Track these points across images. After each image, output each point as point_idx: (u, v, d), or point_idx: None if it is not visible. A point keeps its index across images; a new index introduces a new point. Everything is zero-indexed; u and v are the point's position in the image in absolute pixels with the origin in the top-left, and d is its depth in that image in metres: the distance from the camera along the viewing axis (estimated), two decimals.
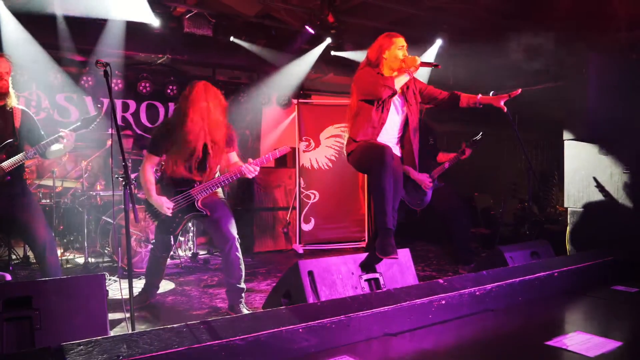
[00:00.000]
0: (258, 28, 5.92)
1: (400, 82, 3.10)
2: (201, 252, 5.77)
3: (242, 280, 3.47)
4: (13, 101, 3.38)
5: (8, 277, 4.52)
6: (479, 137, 4.75)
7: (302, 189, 6.36)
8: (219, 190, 3.61)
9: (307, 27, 5.65)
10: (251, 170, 3.39)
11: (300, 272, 2.71)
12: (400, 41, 3.21)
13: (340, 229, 6.45)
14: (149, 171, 3.42)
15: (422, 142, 3.92)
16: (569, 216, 4.91)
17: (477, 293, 3.03)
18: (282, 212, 6.42)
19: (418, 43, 6.20)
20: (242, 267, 3.48)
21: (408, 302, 2.69)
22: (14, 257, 4.99)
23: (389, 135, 3.25)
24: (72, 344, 1.82)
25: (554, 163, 7.48)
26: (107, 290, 2.37)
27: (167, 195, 3.41)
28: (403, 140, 3.32)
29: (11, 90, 3.35)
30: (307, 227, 6.36)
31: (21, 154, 3.28)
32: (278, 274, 4.92)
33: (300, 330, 2.29)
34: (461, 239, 4.73)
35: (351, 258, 2.95)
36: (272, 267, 5.34)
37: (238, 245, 3.46)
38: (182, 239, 5.54)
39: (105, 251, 5.04)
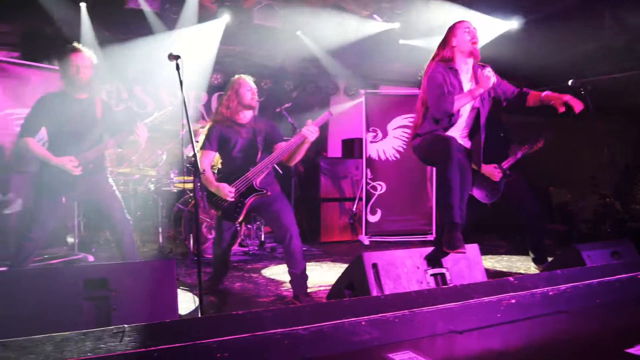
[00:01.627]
0: (324, 19, 5.89)
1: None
2: (268, 241, 5.88)
3: (305, 269, 3.51)
4: (95, 93, 3.59)
5: (91, 258, 4.85)
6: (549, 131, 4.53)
7: (368, 180, 6.32)
8: (277, 182, 3.69)
9: (375, 16, 5.57)
10: (311, 131, 3.40)
11: (365, 264, 2.69)
12: (466, 24, 3.10)
13: (406, 221, 6.35)
14: (206, 165, 3.54)
15: (492, 134, 3.82)
16: None
17: (550, 293, 2.88)
18: (349, 202, 6.42)
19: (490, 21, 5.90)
20: (304, 256, 3.52)
21: (476, 300, 2.60)
22: (97, 240, 5.34)
23: (459, 129, 3.17)
24: (145, 325, 1.91)
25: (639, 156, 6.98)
26: (178, 275, 2.46)
27: (226, 182, 3.51)
28: (472, 133, 3.23)
29: (93, 83, 3.55)
30: (373, 219, 6.32)
31: (102, 144, 3.47)
32: (344, 265, 4.93)
33: (363, 323, 2.27)
34: (534, 234, 4.49)
35: (417, 251, 2.89)
36: (338, 257, 5.36)
37: (298, 235, 3.51)
38: (250, 227, 5.68)
39: (179, 237, 5.26)
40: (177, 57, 2.83)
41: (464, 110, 3.11)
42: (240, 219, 3.58)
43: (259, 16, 5.78)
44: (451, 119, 3.05)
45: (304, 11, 5.74)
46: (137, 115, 6.29)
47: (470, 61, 3.12)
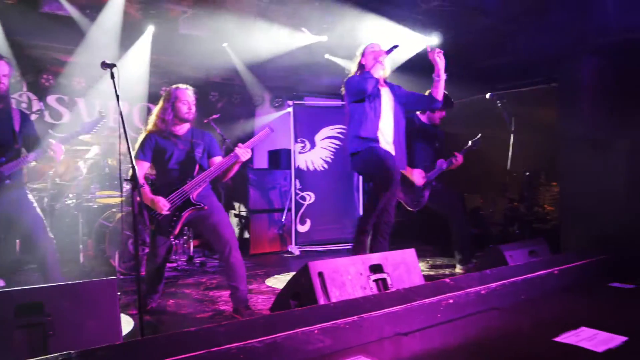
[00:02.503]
0: (252, 29, 5.89)
1: (376, 69, 3.72)
2: (196, 255, 5.73)
3: (245, 282, 3.47)
4: (10, 102, 3.35)
5: (2, 282, 4.46)
6: (471, 143, 4.88)
7: (297, 191, 6.36)
8: (214, 194, 3.64)
9: (303, 29, 5.65)
10: (243, 152, 3.40)
11: (311, 273, 2.71)
12: (373, 46, 3.86)
13: (335, 229, 6.46)
14: (140, 177, 3.40)
15: (429, 146, 4.33)
16: (563, 215, 4.99)
17: (483, 292, 3.06)
18: (277, 213, 6.41)
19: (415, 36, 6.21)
20: (244, 269, 3.48)
21: (418, 302, 2.71)
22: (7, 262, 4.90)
23: (386, 135, 3.83)
24: (93, 349, 1.80)
25: (541, 163, 7.59)
26: (119, 295, 2.34)
27: (162, 196, 3.40)
28: (396, 141, 3.86)
29: (9, 93, 3.31)
30: (303, 229, 6.36)
31: (21, 158, 3.24)
32: (277, 275, 4.93)
33: (316, 331, 2.29)
34: (461, 238, 4.78)
35: (359, 259, 2.96)
36: (270, 268, 5.33)
37: (237, 248, 3.48)
38: (177, 242, 5.50)
39: (101, 255, 4.97)
40: (112, 66, 2.71)
41: (385, 116, 3.82)
42: (176, 232, 3.48)
43: (185, 26, 5.66)
44: (378, 122, 3.76)
45: (232, 21, 5.70)
46: (50, 126, 5.91)
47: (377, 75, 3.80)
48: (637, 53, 4.69)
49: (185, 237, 5.59)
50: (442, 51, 3.80)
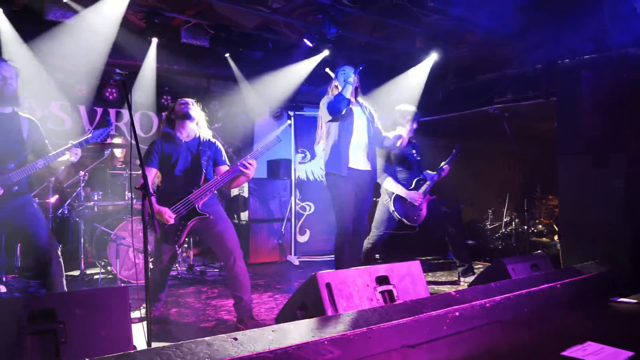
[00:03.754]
0: (256, 40, 5.94)
1: (347, 90, 3.95)
2: (196, 264, 5.72)
3: (249, 292, 3.48)
4: (20, 108, 3.35)
5: (3, 288, 4.43)
6: (454, 152, 4.97)
7: (297, 201, 6.37)
8: (219, 203, 3.66)
9: (305, 40, 5.70)
10: (247, 165, 3.40)
11: (319, 284, 2.72)
12: (345, 68, 4.11)
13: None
14: (149, 183, 3.41)
15: (412, 162, 4.42)
16: (562, 229, 5.02)
17: (488, 305, 3.09)
18: (277, 223, 6.42)
19: (412, 57, 6.33)
20: (248, 279, 3.49)
21: (425, 314, 2.73)
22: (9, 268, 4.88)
23: (359, 150, 4.06)
24: (106, 357, 1.80)
25: (537, 176, 7.65)
26: (130, 303, 2.34)
27: (166, 205, 3.40)
28: (370, 156, 4.12)
29: (19, 97, 3.31)
30: (302, 239, 6.37)
31: (30, 164, 3.23)
32: (277, 285, 4.93)
33: (326, 342, 2.30)
34: (460, 249, 4.82)
35: (366, 270, 2.98)
36: (270, 278, 5.33)
37: (242, 258, 3.50)
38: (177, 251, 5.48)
39: (102, 262, 4.95)
40: (125, 75, 2.72)
41: (357, 135, 4.06)
42: (181, 242, 3.48)
43: (187, 35, 5.70)
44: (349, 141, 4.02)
45: (235, 32, 5.74)
46: (52, 133, 5.89)
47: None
48: (634, 67, 4.77)
49: (185, 246, 5.58)
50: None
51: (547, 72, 5.72)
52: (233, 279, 3.44)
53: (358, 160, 4.05)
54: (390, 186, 4.64)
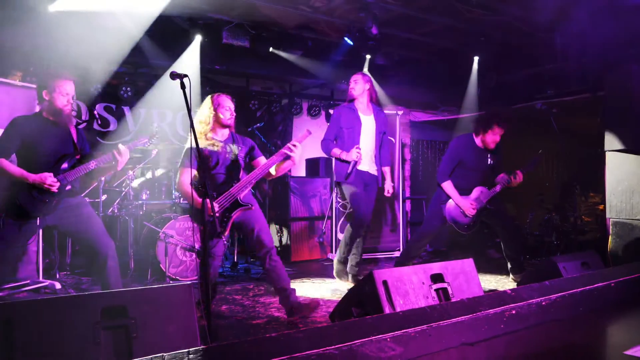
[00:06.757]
0: (296, 39, 5.98)
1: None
2: (240, 262, 5.80)
3: (289, 282, 3.60)
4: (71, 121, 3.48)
5: (57, 285, 4.58)
6: (534, 160, 4.80)
7: (338, 199, 6.39)
8: (255, 200, 3.75)
9: (346, 39, 5.71)
10: (292, 148, 3.45)
11: (376, 281, 2.74)
12: (353, 77, 4.77)
13: (375, 238, 6.47)
14: (187, 183, 3.52)
15: (482, 162, 4.28)
16: (611, 227, 4.91)
17: (544, 303, 3.05)
18: (318, 221, 6.45)
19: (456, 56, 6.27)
20: (284, 269, 3.62)
21: (483, 312, 2.71)
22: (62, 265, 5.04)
23: (365, 157, 4.63)
24: (183, 352, 1.86)
25: (575, 173, 7.48)
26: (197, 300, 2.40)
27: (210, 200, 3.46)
28: (376, 161, 4.77)
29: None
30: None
31: (83, 165, 3.34)
32: (319, 283, 4.98)
33: (388, 339, 2.32)
34: (513, 247, 4.71)
35: (421, 268, 2.98)
36: (313, 275, 5.37)
37: (276, 252, 3.62)
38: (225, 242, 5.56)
39: (152, 260, 5.07)
40: (183, 76, 2.78)
41: (365, 137, 4.67)
42: (227, 233, 3.56)
43: (228, 36, 5.78)
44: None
45: (275, 31, 5.79)
46: (98, 134, 6.06)
47: (364, 100, 4.74)
48: None
49: (228, 244, 5.65)
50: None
51: (593, 67, 5.58)
52: (273, 273, 3.56)
53: (364, 163, 4.65)
54: (447, 190, 4.57)
